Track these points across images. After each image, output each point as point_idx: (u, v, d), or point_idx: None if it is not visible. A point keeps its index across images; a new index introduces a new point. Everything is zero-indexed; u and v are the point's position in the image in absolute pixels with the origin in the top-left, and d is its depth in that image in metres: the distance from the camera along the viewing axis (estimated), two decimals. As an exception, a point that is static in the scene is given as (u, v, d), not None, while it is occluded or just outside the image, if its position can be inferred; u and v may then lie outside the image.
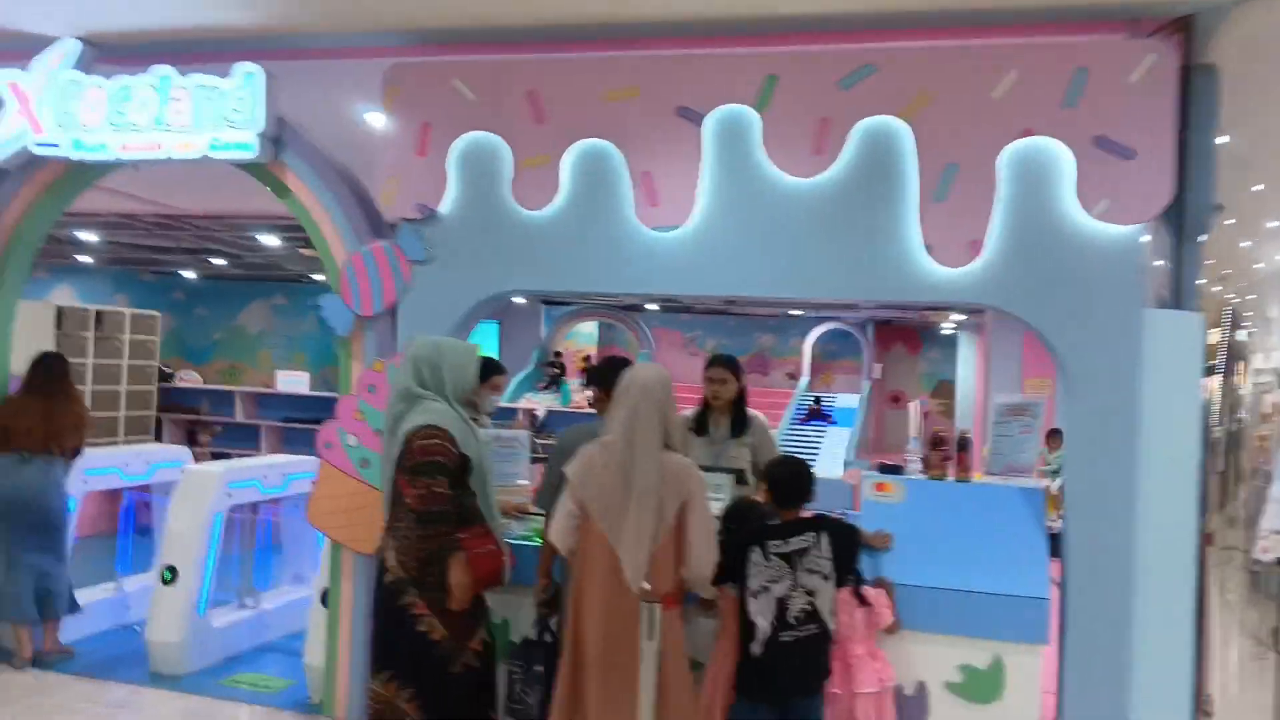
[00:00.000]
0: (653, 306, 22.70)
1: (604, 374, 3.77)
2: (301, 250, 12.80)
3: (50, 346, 8.65)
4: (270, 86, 4.34)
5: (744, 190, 3.95)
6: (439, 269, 4.26)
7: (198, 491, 5.05)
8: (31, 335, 8.80)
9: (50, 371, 5.17)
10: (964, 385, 21.01)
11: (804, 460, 3.56)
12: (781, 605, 3.30)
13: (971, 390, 20.88)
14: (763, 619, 3.27)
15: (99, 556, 6.12)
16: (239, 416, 9.80)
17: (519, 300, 21.95)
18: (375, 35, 4.38)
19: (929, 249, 3.79)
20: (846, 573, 3.48)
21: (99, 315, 9.07)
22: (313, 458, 6.31)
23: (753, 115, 3.91)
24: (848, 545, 3.48)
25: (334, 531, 4.36)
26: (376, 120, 5.46)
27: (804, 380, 22.20)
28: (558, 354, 21.19)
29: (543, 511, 3.79)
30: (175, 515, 5.03)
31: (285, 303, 19.80)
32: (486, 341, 15.09)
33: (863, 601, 3.51)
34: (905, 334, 24.75)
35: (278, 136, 4.41)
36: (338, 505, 4.34)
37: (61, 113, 4.60)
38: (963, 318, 18.79)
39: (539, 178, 4.13)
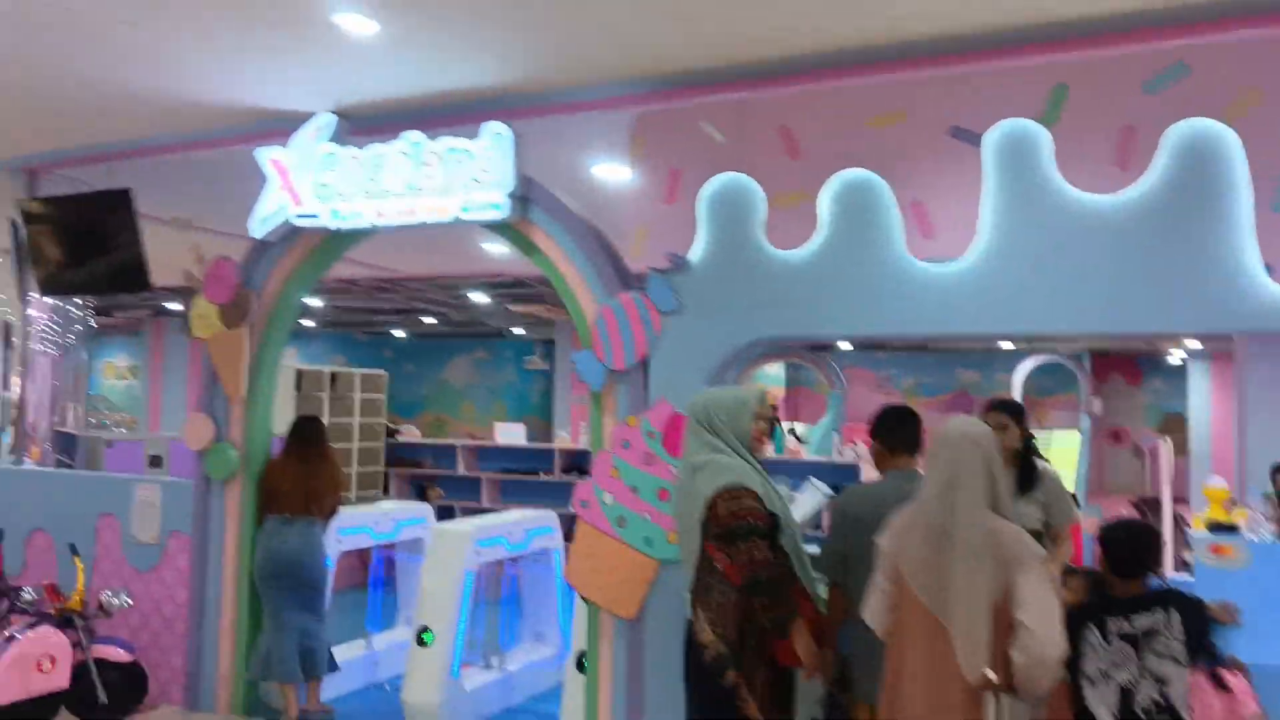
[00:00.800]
0: (845, 345, 22.02)
1: (888, 426, 3.43)
2: (510, 307, 13.18)
3: (292, 407, 9.24)
4: (517, 145, 4.34)
5: (1034, 212, 3.54)
6: (690, 318, 4.08)
7: (449, 550, 5.06)
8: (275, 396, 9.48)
9: (308, 434, 5.35)
10: (1197, 420, 19.09)
11: (1145, 521, 3.08)
12: (1126, 695, 2.83)
13: (1207, 425, 18.93)
14: (1104, 710, 2.81)
15: (344, 611, 6.28)
16: (460, 469, 10.05)
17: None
18: (618, 85, 4.30)
19: (1270, 269, 3.25)
20: (1200, 652, 2.96)
21: (333, 376, 9.54)
22: (548, 511, 6.37)
23: (1040, 130, 3.51)
24: (1200, 622, 2.97)
25: (594, 593, 4.20)
26: (604, 172, 5.48)
27: (1014, 417, 20.71)
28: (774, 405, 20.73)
29: (824, 578, 3.47)
30: (429, 574, 5.05)
31: (486, 357, 20.54)
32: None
33: (1221, 687, 2.97)
34: (1124, 364, 22.89)
35: (525, 195, 4.39)
36: (598, 566, 4.18)
37: (319, 184, 4.78)
38: (1197, 346, 17.03)
39: (794, 216, 3.88)
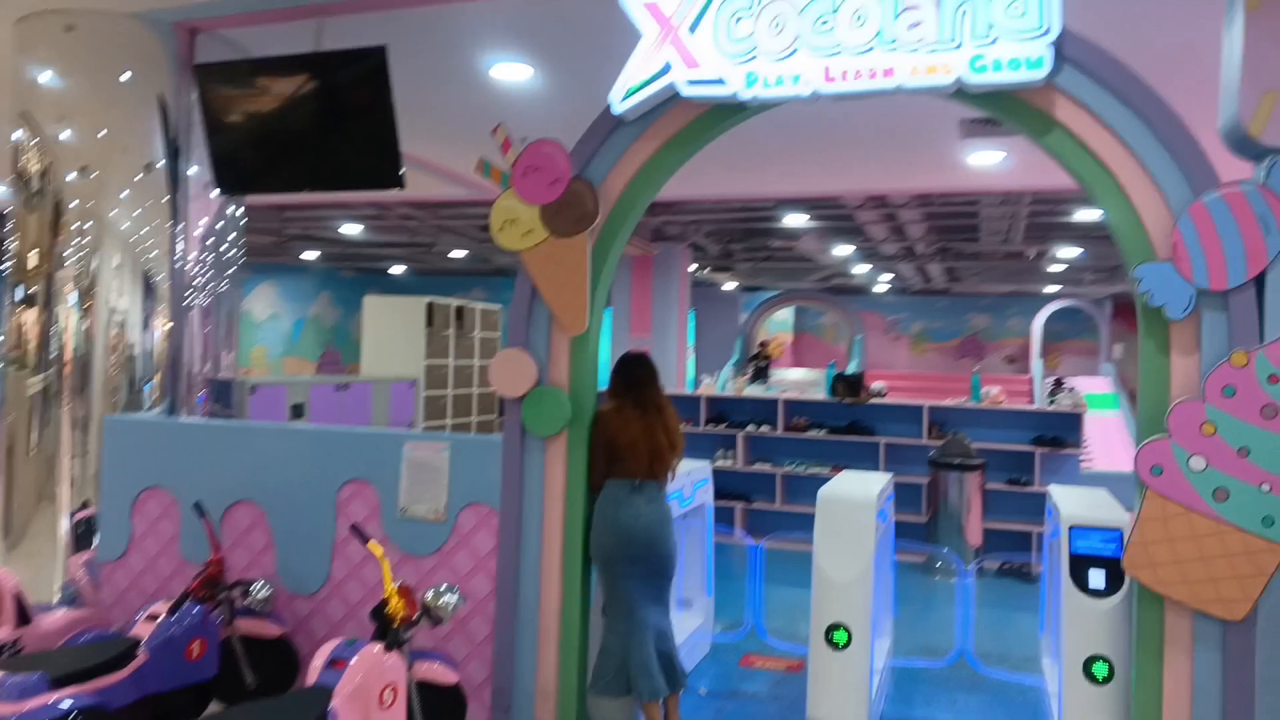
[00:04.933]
0: (855, 287, 21.33)
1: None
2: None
3: (422, 340, 7.89)
4: (1060, -19, 3.17)
5: None
6: (1339, 221, 3.02)
7: (851, 519, 3.96)
8: (403, 332, 8.08)
9: (642, 377, 4.14)
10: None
11: None
12: None
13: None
14: None
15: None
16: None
17: (728, 286, 20.84)
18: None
19: None
20: None
21: (459, 311, 8.17)
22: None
23: None
24: None
25: (1176, 588, 3.17)
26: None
27: (1038, 363, 20.41)
28: (763, 344, 20.05)
29: None
30: (826, 554, 3.94)
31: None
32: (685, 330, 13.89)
33: None
34: (1126, 312, 22.75)
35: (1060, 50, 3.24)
36: (1181, 552, 3.15)
37: (730, 39, 3.52)
38: None
39: None
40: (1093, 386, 19.09)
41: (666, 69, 3.62)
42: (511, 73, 5.31)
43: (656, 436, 4.04)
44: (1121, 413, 17.31)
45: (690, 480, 4.69)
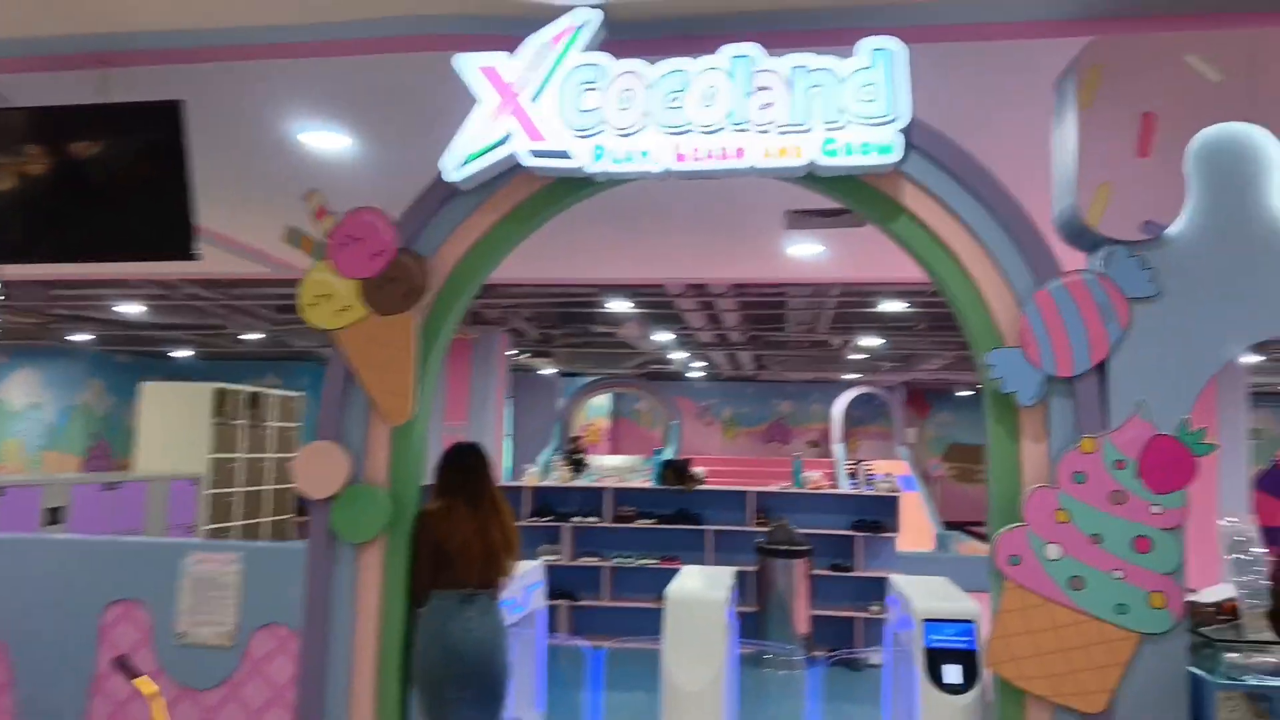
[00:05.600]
0: (671, 373, 21.62)
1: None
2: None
3: (208, 431, 7.03)
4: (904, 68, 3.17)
5: None
6: (1169, 309, 3.12)
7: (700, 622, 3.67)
8: (185, 423, 7.16)
9: (474, 470, 3.76)
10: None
11: None
12: None
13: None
14: None
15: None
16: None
17: (546, 371, 20.55)
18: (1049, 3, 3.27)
19: None
20: None
21: (254, 398, 7.43)
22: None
23: None
24: None
25: (1037, 682, 3.07)
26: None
27: (839, 447, 21.27)
28: (577, 436, 19.96)
29: None
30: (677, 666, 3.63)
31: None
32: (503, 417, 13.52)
33: None
34: (915, 397, 24.20)
35: (909, 137, 3.23)
36: (1040, 645, 3.07)
37: (576, 110, 3.31)
38: None
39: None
40: (891, 469, 20.05)
41: (507, 138, 3.35)
42: (326, 140, 4.88)
43: (491, 537, 3.65)
44: (918, 493, 18.19)
45: (523, 585, 4.28)
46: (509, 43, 3.37)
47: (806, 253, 7.19)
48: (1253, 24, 3.16)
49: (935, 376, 20.57)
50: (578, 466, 17.83)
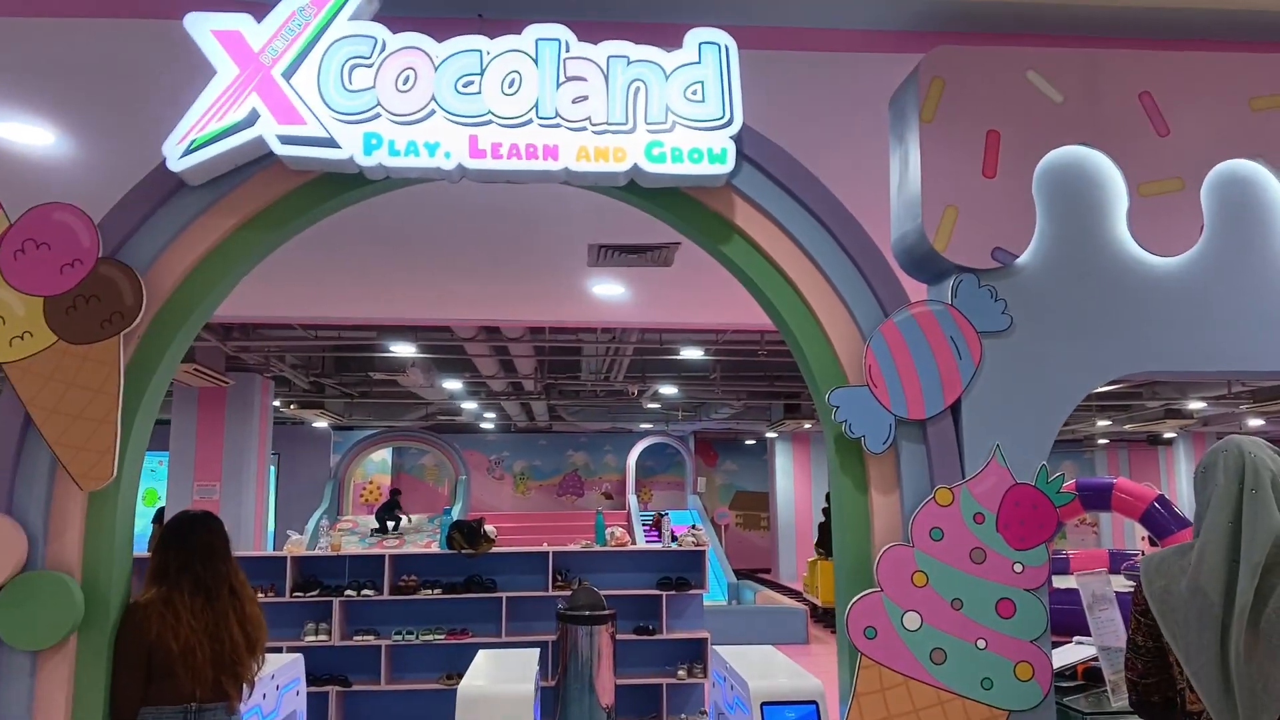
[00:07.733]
0: (460, 425, 20.62)
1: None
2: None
3: None
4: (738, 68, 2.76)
5: None
6: (1020, 344, 2.83)
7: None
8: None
9: (211, 546, 2.92)
10: (784, 496, 20.88)
11: None
12: None
13: (791, 502, 20.83)
14: None
15: None
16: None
17: (318, 425, 18.96)
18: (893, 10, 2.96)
19: None
20: None
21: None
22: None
23: None
24: None
25: (899, 776, 2.63)
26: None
27: (632, 498, 21.04)
28: (395, 490, 18.78)
29: None
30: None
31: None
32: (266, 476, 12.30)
33: None
34: (702, 447, 24.45)
35: (740, 147, 2.80)
36: (900, 731, 2.64)
37: (343, 90, 2.65)
38: (784, 427, 18.31)
39: (1167, 209, 2.90)
40: (684, 518, 19.98)
41: (253, 119, 2.63)
42: (23, 135, 3.91)
43: (228, 635, 2.83)
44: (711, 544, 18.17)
45: (275, 686, 3.41)
46: (259, 10, 2.67)
47: (609, 293, 6.74)
48: (1090, 45, 2.99)
49: (724, 425, 20.83)
50: (394, 525, 16.42)
